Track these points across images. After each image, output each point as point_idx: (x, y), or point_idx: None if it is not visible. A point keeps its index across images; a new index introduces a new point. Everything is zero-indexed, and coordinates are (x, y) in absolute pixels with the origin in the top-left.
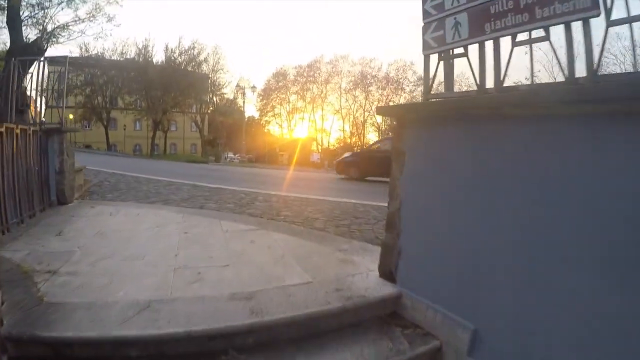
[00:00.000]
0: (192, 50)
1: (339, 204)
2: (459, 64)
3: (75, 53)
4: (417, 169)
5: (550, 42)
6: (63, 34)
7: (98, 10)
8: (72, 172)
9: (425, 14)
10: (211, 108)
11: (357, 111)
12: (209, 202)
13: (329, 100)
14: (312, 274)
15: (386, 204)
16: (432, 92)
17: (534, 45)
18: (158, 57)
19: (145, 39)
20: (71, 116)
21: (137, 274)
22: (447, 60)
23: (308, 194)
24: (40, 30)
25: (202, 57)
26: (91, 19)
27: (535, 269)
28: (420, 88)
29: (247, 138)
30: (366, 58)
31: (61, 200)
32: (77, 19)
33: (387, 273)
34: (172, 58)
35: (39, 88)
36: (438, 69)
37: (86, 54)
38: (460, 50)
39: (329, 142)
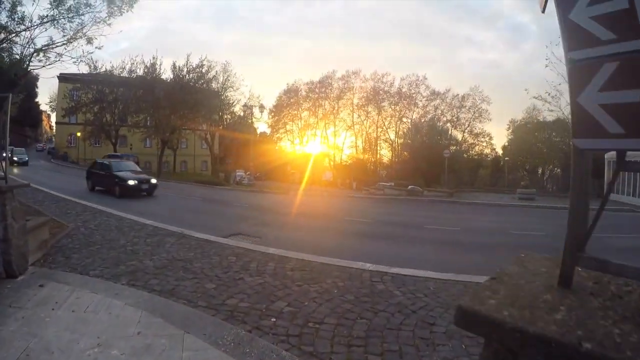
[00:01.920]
0: (200, 68)
1: (351, 275)
2: None
3: (84, 70)
4: None
5: None
6: (40, 58)
7: (79, 32)
8: (23, 236)
9: (583, 42)
10: (221, 127)
11: (369, 127)
12: (186, 278)
13: (341, 117)
14: None
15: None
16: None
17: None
18: (166, 75)
19: (153, 57)
20: (79, 134)
21: None
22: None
23: (314, 249)
24: (8, 55)
25: (211, 75)
26: (71, 41)
27: None
28: (434, 103)
29: (258, 155)
30: (378, 73)
31: (9, 272)
32: (50, 42)
33: None
34: (180, 76)
35: None
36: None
37: (95, 72)
38: None
39: (341, 159)
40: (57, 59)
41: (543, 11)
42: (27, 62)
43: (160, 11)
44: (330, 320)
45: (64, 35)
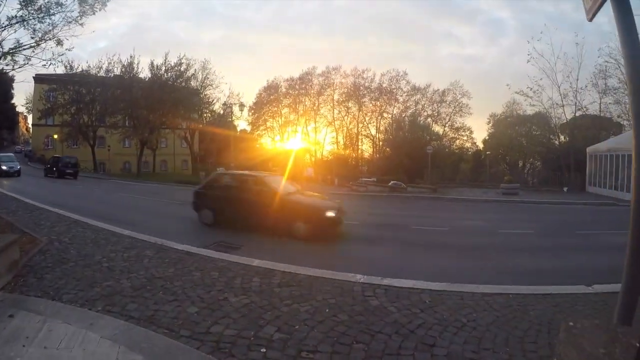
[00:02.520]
0: (178, 66)
1: (342, 290)
2: None
3: (60, 70)
4: None
5: None
6: (8, 62)
7: (48, 33)
8: None
9: None
10: (200, 125)
11: (350, 123)
12: (166, 300)
13: (321, 113)
14: None
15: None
16: None
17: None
18: (144, 74)
19: (130, 56)
20: (56, 136)
21: None
22: None
23: (299, 258)
24: None
25: (189, 73)
26: (39, 43)
27: None
28: (414, 98)
29: (239, 152)
30: (358, 69)
31: None
32: (17, 45)
33: None
34: (158, 75)
35: None
36: None
37: (71, 72)
38: None
39: (322, 154)
40: (26, 62)
41: (590, 19)
42: None
43: (138, 9)
44: (324, 347)
45: (32, 37)
